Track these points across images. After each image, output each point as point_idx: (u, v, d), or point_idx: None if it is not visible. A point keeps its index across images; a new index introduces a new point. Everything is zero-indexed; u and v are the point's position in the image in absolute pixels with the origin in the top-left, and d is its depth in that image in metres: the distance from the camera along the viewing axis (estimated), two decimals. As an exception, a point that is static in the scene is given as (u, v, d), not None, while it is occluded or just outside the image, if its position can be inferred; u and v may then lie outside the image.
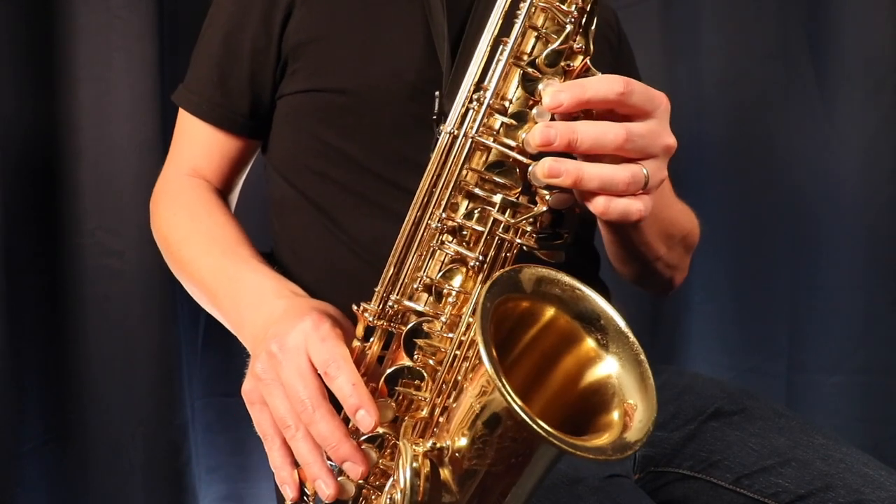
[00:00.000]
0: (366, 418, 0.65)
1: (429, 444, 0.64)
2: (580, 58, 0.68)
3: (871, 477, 0.85)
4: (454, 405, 0.64)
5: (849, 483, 0.84)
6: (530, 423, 0.55)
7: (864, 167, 1.62)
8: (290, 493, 0.72)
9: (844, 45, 1.60)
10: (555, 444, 0.56)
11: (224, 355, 1.58)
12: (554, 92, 0.64)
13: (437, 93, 0.87)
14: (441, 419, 0.65)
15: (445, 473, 0.63)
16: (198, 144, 0.99)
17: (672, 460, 0.94)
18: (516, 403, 0.56)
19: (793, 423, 0.93)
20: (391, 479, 0.68)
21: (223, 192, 1.02)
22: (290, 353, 0.69)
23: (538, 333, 0.67)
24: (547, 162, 0.64)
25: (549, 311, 0.66)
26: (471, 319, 0.65)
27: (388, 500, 0.68)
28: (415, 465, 0.62)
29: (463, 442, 0.62)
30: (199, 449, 1.61)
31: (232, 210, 1.02)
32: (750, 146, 1.65)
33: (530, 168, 0.66)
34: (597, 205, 0.65)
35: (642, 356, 0.64)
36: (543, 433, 0.56)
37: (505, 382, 0.56)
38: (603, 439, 0.60)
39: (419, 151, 0.90)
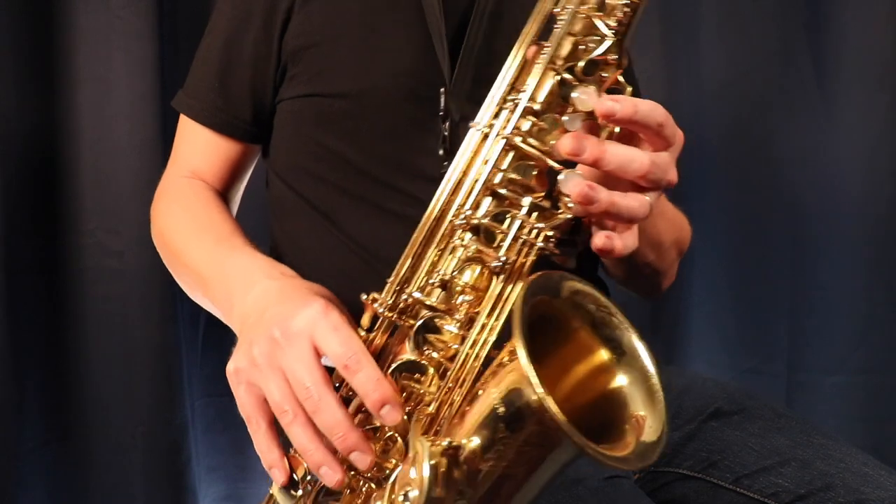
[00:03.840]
0: (391, 413, 0.64)
1: (445, 443, 0.63)
2: (612, 69, 0.67)
3: (871, 477, 0.85)
4: (470, 404, 0.64)
5: (849, 483, 0.84)
6: (566, 430, 0.56)
7: (864, 167, 1.62)
8: (279, 476, 0.69)
9: (844, 45, 1.60)
10: (590, 454, 0.58)
11: (224, 355, 1.55)
12: (608, 99, 0.64)
13: (442, 89, 0.87)
14: (455, 418, 0.65)
15: (459, 472, 0.63)
16: (198, 149, 0.99)
17: (672, 460, 0.94)
18: (555, 411, 0.56)
19: (793, 423, 0.93)
20: (394, 475, 0.68)
21: (224, 196, 1.02)
22: (293, 339, 0.67)
23: (564, 344, 0.67)
24: (581, 186, 0.63)
25: (576, 326, 0.66)
26: (485, 320, 0.65)
27: (402, 498, 0.67)
28: (432, 462, 0.62)
29: (481, 442, 0.62)
30: (199, 449, 1.61)
31: (233, 215, 1.02)
32: (750, 146, 1.65)
33: (560, 177, 0.65)
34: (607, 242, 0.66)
35: (662, 403, 0.66)
36: (579, 442, 0.57)
37: (544, 388, 0.56)
38: (625, 451, 0.62)
39: (417, 154, 0.90)
